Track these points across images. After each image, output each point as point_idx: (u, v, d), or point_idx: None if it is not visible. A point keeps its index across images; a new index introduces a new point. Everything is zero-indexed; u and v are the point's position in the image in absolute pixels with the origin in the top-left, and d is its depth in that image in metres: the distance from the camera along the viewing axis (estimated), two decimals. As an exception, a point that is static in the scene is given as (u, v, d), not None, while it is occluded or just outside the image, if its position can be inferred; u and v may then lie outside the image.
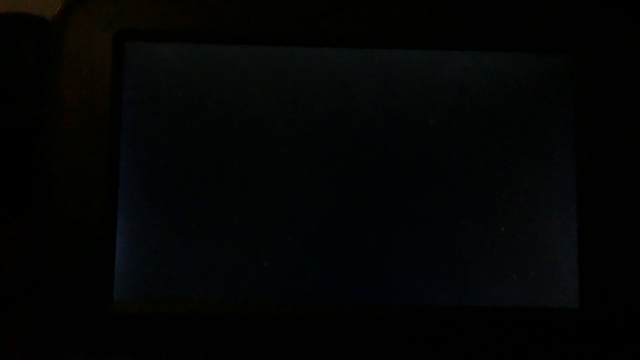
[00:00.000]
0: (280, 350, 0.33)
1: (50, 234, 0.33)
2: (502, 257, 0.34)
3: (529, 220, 0.34)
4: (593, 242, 0.33)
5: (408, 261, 0.34)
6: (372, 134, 0.34)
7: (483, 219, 0.34)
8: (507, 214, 0.34)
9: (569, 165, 0.34)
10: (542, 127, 0.34)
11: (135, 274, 0.33)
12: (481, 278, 0.34)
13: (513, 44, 0.34)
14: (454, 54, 0.35)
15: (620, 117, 0.34)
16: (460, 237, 0.34)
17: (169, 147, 0.34)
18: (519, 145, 0.34)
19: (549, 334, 0.33)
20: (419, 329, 0.33)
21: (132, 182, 0.34)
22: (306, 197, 0.34)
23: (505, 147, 0.34)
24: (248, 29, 0.34)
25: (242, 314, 0.33)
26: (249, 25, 0.34)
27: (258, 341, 0.33)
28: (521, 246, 0.34)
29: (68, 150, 0.33)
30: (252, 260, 0.34)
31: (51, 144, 0.33)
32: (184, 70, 0.34)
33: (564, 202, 0.34)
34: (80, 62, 0.34)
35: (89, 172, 0.33)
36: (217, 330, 0.33)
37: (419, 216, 0.34)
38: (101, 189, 0.33)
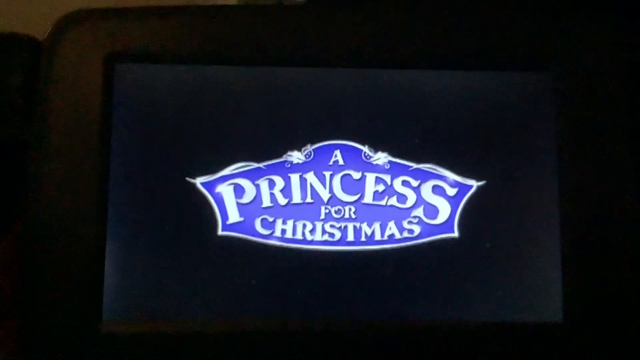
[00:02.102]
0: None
1: (39, 253, 0.33)
2: (486, 273, 0.34)
3: (513, 236, 0.35)
4: (576, 258, 0.34)
5: (394, 277, 0.34)
6: (357, 151, 0.35)
7: (467, 235, 0.35)
8: (492, 230, 0.35)
9: (553, 183, 0.35)
10: (524, 145, 0.35)
11: (125, 293, 0.33)
12: (466, 293, 0.34)
13: (496, 63, 0.35)
14: (438, 73, 0.35)
15: (602, 133, 0.35)
16: (445, 254, 0.34)
17: (159, 167, 0.34)
18: (502, 161, 0.35)
19: (533, 349, 0.34)
20: (405, 344, 0.34)
21: (122, 201, 0.34)
22: (297, 212, 0.34)
23: (488, 163, 0.35)
24: (237, 50, 0.35)
25: (231, 332, 0.33)
26: (238, 46, 0.35)
27: (247, 358, 0.33)
28: (505, 262, 0.34)
29: (58, 170, 0.33)
30: (242, 279, 0.34)
31: (41, 164, 0.34)
32: (174, 92, 0.35)
33: (547, 218, 0.35)
34: (71, 82, 0.34)
35: (78, 192, 0.33)
36: (206, 348, 0.33)
37: (405, 234, 0.34)
38: (91, 209, 0.33)
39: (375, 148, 0.35)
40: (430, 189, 0.35)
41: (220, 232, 0.34)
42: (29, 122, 0.34)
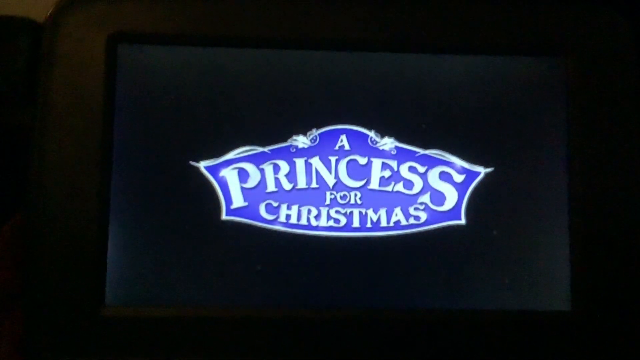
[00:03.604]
0: (272, 353, 0.33)
1: (41, 238, 0.33)
2: (494, 261, 0.34)
3: (521, 224, 0.34)
4: (585, 246, 0.34)
5: (401, 265, 0.34)
6: (364, 136, 0.34)
7: (475, 222, 0.34)
8: (500, 218, 0.34)
9: (561, 170, 0.34)
10: (534, 132, 0.35)
11: (127, 278, 0.33)
12: (472, 281, 0.34)
13: (506, 48, 0.35)
14: (447, 58, 0.35)
15: (613, 120, 0.34)
16: (451, 241, 0.34)
17: (162, 150, 0.34)
18: (512, 148, 0.34)
19: (541, 337, 0.33)
20: (411, 332, 0.33)
21: (125, 184, 0.33)
22: (302, 197, 0.34)
23: (498, 150, 0.34)
24: (240, 32, 0.34)
25: (234, 318, 0.33)
26: (242, 28, 0.34)
27: (249, 345, 0.33)
28: (513, 250, 0.34)
29: (60, 154, 0.33)
30: (245, 265, 0.33)
31: (43, 147, 0.33)
32: (176, 73, 0.34)
33: (556, 206, 0.34)
34: (73, 63, 0.33)
35: (81, 175, 0.33)
36: (208, 334, 0.33)
37: (412, 221, 0.34)
38: (93, 193, 0.33)
39: (382, 133, 0.34)
40: (437, 175, 0.34)
41: (224, 217, 0.34)
42: (30, 106, 0.34)
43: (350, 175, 0.34)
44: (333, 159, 0.34)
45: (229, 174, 0.34)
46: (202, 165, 0.34)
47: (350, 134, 0.34)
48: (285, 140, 0.34)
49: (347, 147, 0.34)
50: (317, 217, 0.34)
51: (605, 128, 0.34)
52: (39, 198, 0.33)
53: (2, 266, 0.35)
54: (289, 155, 0.34)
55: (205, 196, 0.34)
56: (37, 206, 0.33)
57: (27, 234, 0.33)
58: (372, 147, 0.34)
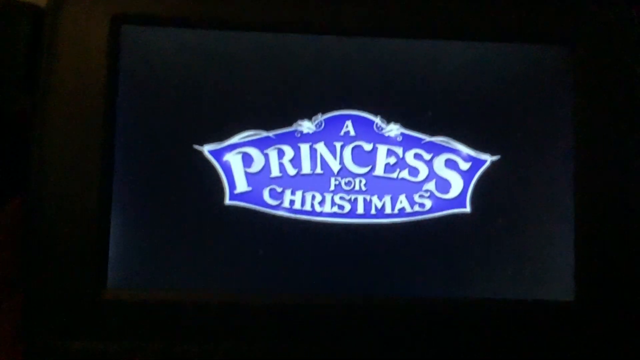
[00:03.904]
0: (273, 340, 0.33)
1: (43, 220, 0.32)
2: (498, 250, 0.34)
3: (526, 213, 0.34)
4: (590, 237, 0.33)
5: (404, 253, 0.34)
6: (369, 122, 0.34)
7: (480, 211, 0.34)
8: (505, 207, 0.34)
9: (568, 159, 0.34)
10: (540, 120, 0.34)
11: (130, 261, 0.33)
12: (476, 270, 0.34)
13: (513, 36, 0.34)
14: (453, 44, 0.34)
15: (620, 109, 0.34)
16: (456, 229, 0.34)
17: (166, 134, 0.33)
18: (517, 136, 0.34)
19: (544, 327, 0.33)
20: (413, 320, 0.33)
21: (128, 168, 0.33)
22: (306, 183, 0.34)
23: (503, 138, 0.34)
24: (247, 15, 0.34)
25: (236, 303, 0.33)
26: (248, 11, 0.34)
27: (251, 330, 0.33)
28: (517, 239, 0.34)
29: (62, 136, 0.33)
30: (248, 250, 0.33)
31: (45, 130, 0.33)
32: (181, 55, 0.34)
33: (562, 196, 0.34)
34: (75, 46, 0.33)
35: (83, 157, 0.33)
36: (211, 318, 0.33)
37: (416, 208, 0.34)
38: (95, 175, 0.33)
39: (388, 119, 0.34)
40: (442, 163, 0.34)
41: (227, 202, 0.33)
42: (31, 91, 0.33)
43: (355, 161, 0.34)
44: (338, 144, 0.34)
45: (233, 159, 0.33)
46: (206, 149, 0.33)
47: (355, 120, 0.34)
48: (290, 125, 0.34)
49: (352, 133, 0.34)
50: (322, 203, 0.34)
51: (612, 117, 0.34)
52: (40, 182, 0.32)
53: (2, 249, 0.35)
54: (294, 140, 0.34)
55: (208, 180, 0.33)
56: (38, 190, 0.32)
57: (28, 216, 0.33)
58: (378, 134, 0.34)
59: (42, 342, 0.32)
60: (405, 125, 0.34)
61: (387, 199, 0.34)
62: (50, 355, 0.32)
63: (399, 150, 0.34)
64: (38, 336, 0.33)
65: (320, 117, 0.34)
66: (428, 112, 0.34)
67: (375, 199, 0.34)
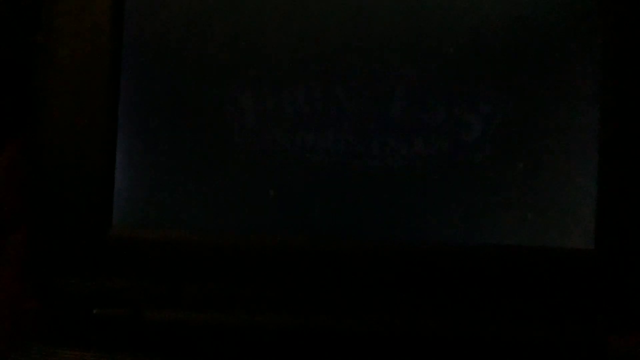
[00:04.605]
0: (280, 284, 0.32)
1: (48, 157, 0.32)
2: (518, 195, 0.33)
3: (548, 158, 0.33)
4: (613, 184, 0.32)
5: (421, 197, 0.33)
6: (387, 66, 0.33)
7: (500, 155, 0.33)
8: (526, 151, 0.33)
9: (592, 104, 0.33)
10: (565, 64, 0.33)
11: (135, 199, 0.32)
12: (494, 216, 0.33)
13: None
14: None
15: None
16: (476, 174, 0.33)
17: (171, 74, 0.32)
18: (541, 81, 0.33)
19: (563, 275, 0.32)
20: (431, 266, 0.32)
21: (133, 105, 0.32)
22: (316, 128, 0.32)
23: (526, 82, 0.33)
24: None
25: (242, 245, 0.32)
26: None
27: (258, 273, 0.32)
28: (538, 185, 0.33)
29: (67, 73, 0.32)
30: (257, 190, 0.32)
31: (50, 66, 0.32)
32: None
33: (585, 142, 0.33)
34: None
35: (88, 95, 0.32)
36: (216, 259, 0.32)
37: (433, 151, 0.33)
38: (101, 112, 0.32)
39: (406, 62, 0.33)
40: (464, 107, 0.33)
41: (237, 139, 0.32)
42: (36, 25, 0.32)
43: (372, 103, 0.32)
44: (355, 86, 0.32)
45: (243, 97, 0.32)
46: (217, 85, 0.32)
47: (372, 61, 0.32)
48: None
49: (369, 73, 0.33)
50: (335, 143, 0.32)
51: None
52: (45, 119, 0.32)
53: (5, 188, 0.35)
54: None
55: (218, 118, 0.32)
56: (43, 127, 0.32)
57: (32, 155, 0.32)
58: (396, 75, 0.33)
59: (46, 279, 0.32)
60: (425, 68, 0.33)
61: (404, 142, 0.33)
62: (55, 293, 0.32)
63: (417, 93, 0.33)
64: (42, 275, 0.32)
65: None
66: (449, 55, 0.33)
67: (391, 141, 0.33)
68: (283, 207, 0.32)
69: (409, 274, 0.32)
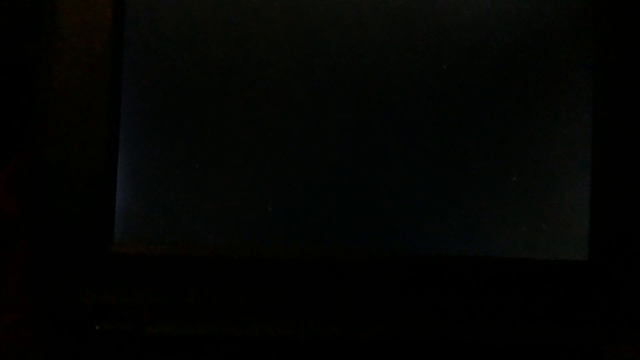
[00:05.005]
0: (281, 295, 0.32)
1: (49, 171, 0.32)
2: (511, 207, 0.33)
3: (541, 170, 0.33)
4: (605, 195, 0.33)
5: (415, 208, 0.33)
6: (383, 75, 0.33)
7: (494, 167, 0.33)
8: (519, 163, 0.33)
9: (584, 115, 0.33)
10: (558, 74, 0.33)
11: (137, 213, 0.32)
12: (489, 228, 0.33)
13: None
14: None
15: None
16: (469, 186, 0.33)
17: (172, 83, 0.32)
18: (533, 91, 0.33)
19: (557, 287, 0.33)
20: (424, 278, 0.33)
21: (134, 118, 0.32)
22: (313, 138, 0.33)
23: (519, 93, 0.33)
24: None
25: (244, 258, 0.32)
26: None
27: (259, 285, 0.32)
28: (532, 197, 0.33)
29: (67, 86, 0.32)
30: (257, 204, 0.33)
31: (49, 79, 0.32)
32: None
33: (577, 153, 0.33)
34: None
35: (89, 107, 0.32)
36: (218, 273, 0.32)
37: (427, 162, 0.33)
38: (102, 125, 0.32)
39: (400, 69, 0.33)
40: (453, 116, 0.33)
41: (238, 155, 0.32)
42: (36, 34, 0.32)
43: (370, 111, 0.33)
44: (354, 92, 0.33)
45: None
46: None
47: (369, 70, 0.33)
48: None
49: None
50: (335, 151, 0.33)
51: (634, 67, 0.33)
52: (46, 132, 0.32)
53: (7, 202, 0.35)
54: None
55: (219, 131, 0.32)
56: (44, 140, 0.32)
57: (33, 168, 0.32)
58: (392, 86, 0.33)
59: (48, 295, 0.32)
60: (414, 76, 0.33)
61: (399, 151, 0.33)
62: (56, 308, 0.32)
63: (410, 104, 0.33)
64: (44, 290, 0.32)
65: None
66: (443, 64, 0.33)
67: (388, 150, 0.33)
68: (285, 220, 0.33)
69: (401, 284, 0.32)
